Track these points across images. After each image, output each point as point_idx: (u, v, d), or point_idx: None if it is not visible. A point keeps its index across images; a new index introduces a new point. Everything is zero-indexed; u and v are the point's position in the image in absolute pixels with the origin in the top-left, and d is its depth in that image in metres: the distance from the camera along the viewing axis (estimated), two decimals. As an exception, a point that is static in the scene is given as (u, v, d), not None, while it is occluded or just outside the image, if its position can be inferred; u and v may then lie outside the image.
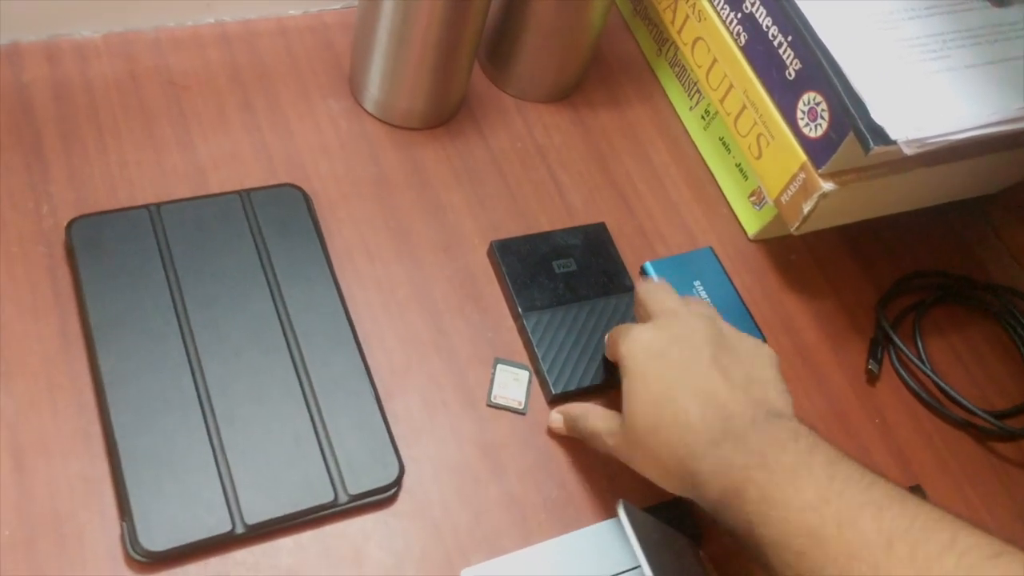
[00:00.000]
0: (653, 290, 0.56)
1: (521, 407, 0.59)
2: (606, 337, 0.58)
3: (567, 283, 0.63)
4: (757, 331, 0.66)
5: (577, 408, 0.57)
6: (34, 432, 0.51)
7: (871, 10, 0.62)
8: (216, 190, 0.62)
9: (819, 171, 0.62)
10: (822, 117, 0.60)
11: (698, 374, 0.49)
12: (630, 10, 0.81)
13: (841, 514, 0.41)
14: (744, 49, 0.66)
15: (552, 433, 0.59)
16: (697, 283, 0.67)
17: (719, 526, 0.47)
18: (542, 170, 0.70)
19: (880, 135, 0.56)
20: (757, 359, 0.52)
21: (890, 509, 0.40)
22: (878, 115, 0.56)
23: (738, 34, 0.66)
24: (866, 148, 0.56)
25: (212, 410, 0.53)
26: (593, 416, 0.55)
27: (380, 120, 0.68)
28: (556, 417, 0.58)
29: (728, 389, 0.49)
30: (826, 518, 0.41)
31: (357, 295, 0.60)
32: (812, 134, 0.61)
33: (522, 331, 0.62)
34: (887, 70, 0.59)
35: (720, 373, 0.49)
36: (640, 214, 0.70)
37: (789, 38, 0.62)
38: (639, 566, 0.50)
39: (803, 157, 0.62)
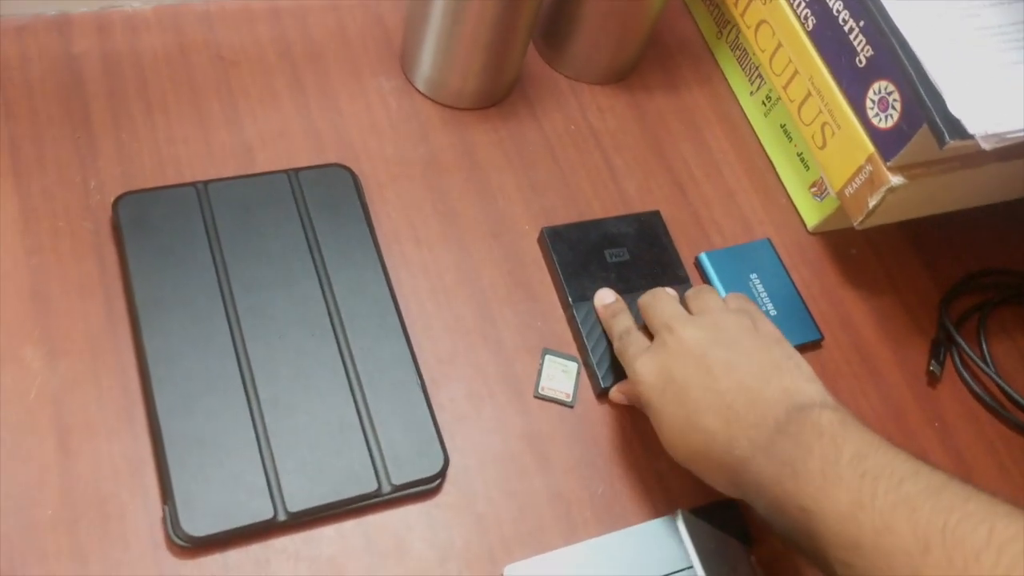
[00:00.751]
0: (653, 303, 0.54)
1: (569, 400, 0.58)
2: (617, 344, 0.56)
3: (619, 273, 0.62)
4: (814, 327, 0.64)
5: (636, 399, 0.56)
6: (79, 411, 0.51)
7: (949, -5, 0.59)
8: (264, 168, 0.61)
9: (887, 164, 0.59)
10: (893, 107, 0.57)
11: (710, 389, 0.48)
12: (690, -10, 0.79)
13: (876, 521, 0.40)
14: (812, 34, 0.63)
15: (612, 403, 0.58)
16: (754, 276, 0.64)
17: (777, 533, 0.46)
18: (596, 154, 0.68)
19: (957, 128, 0.53)
20: (766, 345, 0.50)
21: (923, 507, 0.39)
22: (955, 107, 0.53)
23: (806, 18, 0.63)
24: (941, 142, 0.53)
25: (256, 394, 0.52)
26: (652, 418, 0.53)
27: (431, 99, 0.67)
28: (619, 397, 0.58)
29: (745, 394, 0.47)
30: (863, 527, 0.40)
31: (404, 280, 0.59)
32: (882, 125, 0.59)
33: (572, 321, 0.60)
34: (965, 60, 0.56)
35: (731, 377, 0.48)
36: (696, 202, 0.68)
37: (861, 23, 0.59)
38: (689, 567, 0.49)
39: (871, 149, 0.60)
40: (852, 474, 0.42)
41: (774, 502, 0.45)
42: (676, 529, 0.51)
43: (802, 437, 0.44)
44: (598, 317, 0.59)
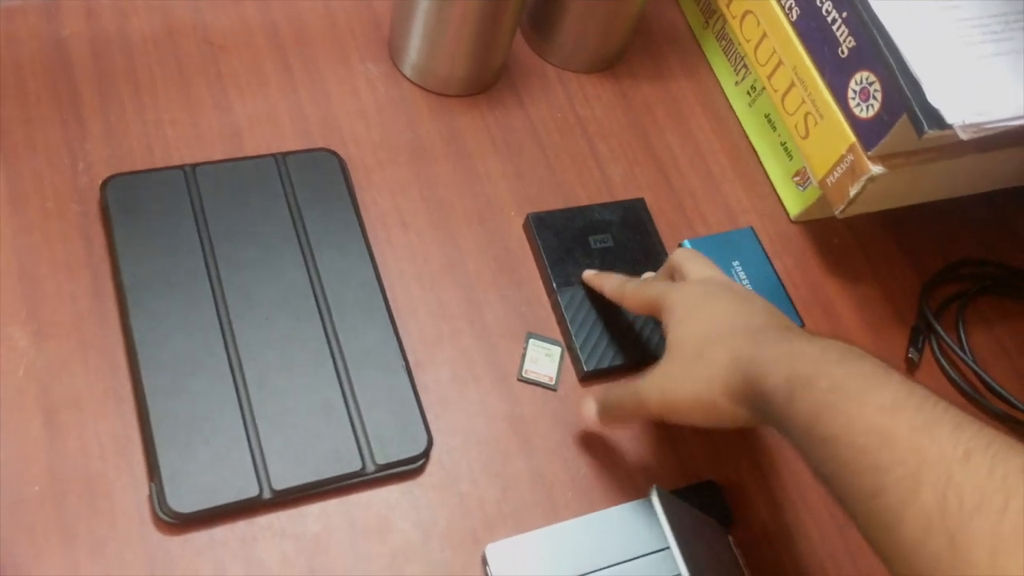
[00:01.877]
0: (691, 258, 0.56)
1: (552, 383, 0.58)
2: (629, 292, 0.56)
3: (603, 259, 0.62)
4: (795, 314, 0.65)
5: (604, 386, 0.56)
6: (66, 390, 0.51)
7: (931, -13, 0.60)
8: (251, 152, 0.61)
9: (868, 153, 0.60)
10: (874, 97, 0.58)
11: (754, 306, 0.50)
12: (678, -20, 0.79)
13: (916, 420, 0.38)
14: (796, 24, 0.64)
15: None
16: (736, 263, 0.65)
17: (768, 421, 0.45)
18: (582, 142, 0.69)
19: (935, 119, 0.54)
20: None
21: (969, 428, 0.37)
22: (934, 97, 0.54)
23: (790, 8, 0.64)
24: (920, 131, 0.54)
25: (243, 375, 0.53)
26: (621, 382, 0.53)
27: (418, 86, 0.67)
28: (590, 407, 0.54)
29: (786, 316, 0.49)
30: (899, 421, 0.39)
31: (390, 264, 0.60)
32: (863, 115, 0.59)
33: (556, 307, 0.61)
34: (945, 51, 0.57)
35: (774, 309, 0.50)
36: (680, 191, 0.69)
37: (844, 14, 0.59)
38: (667, 548, 0.49)
39: (852, 138, 0.61)
40: (901, 387, 0.40)
41: (799, 376, 0.42)
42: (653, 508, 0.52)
43: (853, 348, 0.43)
44: (587, 288, 0.61)
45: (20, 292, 0.53)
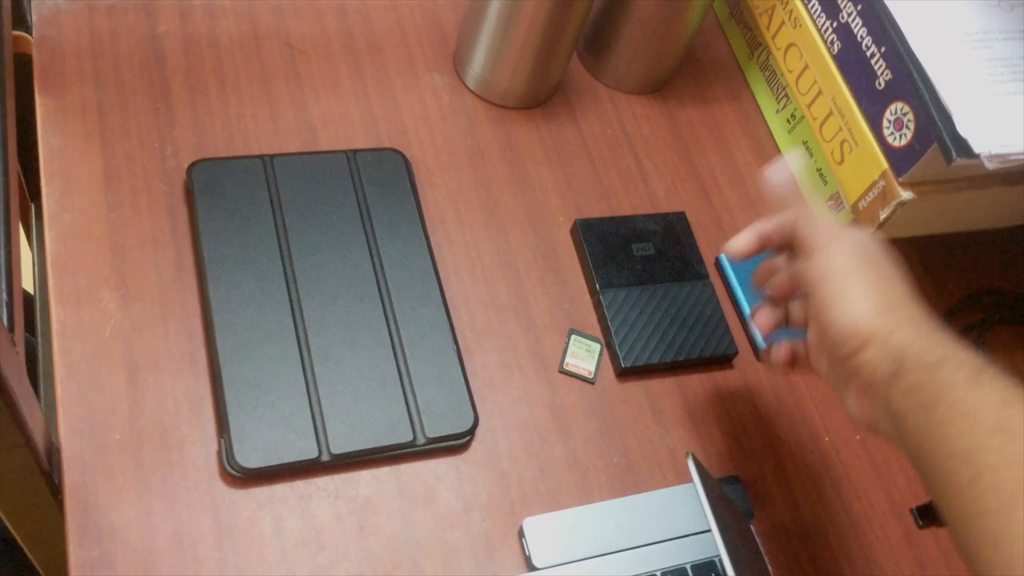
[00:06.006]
0: (814, 216, 0.54)
1: (591, 376, 0.62)
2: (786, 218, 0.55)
3: (644, 266, 0.66)
4: (823, 330, 0.68)
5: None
6: (147, 351, 0.56)
7: (966, 28, 0.64)
8: (324, 148, 0.66)
9: (899, 180, 0.64)
10: (907, 127, 0.62)
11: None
12: (726, 13, 0.84)
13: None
14: (836, 57, 0.68)
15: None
16: (769, 278, 0.69)
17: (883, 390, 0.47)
18: (629, 157, 0.73)
19: (963, 147, 0.58)
20: None
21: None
22: (963, 128, 0.58)
23: (832, 42, 0.68)
24: (948, 159, 0.58)
25: (308, 346, 0.57)
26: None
27: (480, 97, 0.72)
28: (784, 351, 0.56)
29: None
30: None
31: (446, 256, 0.64)
32: (896, 143, 0.63)
33: (598, 306, 0.65)
34: (976, 87, 0.61)
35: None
36: (719, 207, 0.73)
37: (883, 49, 0.64)
38: (698, 532, 0.53)
39: (884, 165, 0.64)
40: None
41: (934, 360, 0.46)
42: (687, 496, 0.55)
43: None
44: (627, 291, 0.64)
45: (111, 260, 0.58)
